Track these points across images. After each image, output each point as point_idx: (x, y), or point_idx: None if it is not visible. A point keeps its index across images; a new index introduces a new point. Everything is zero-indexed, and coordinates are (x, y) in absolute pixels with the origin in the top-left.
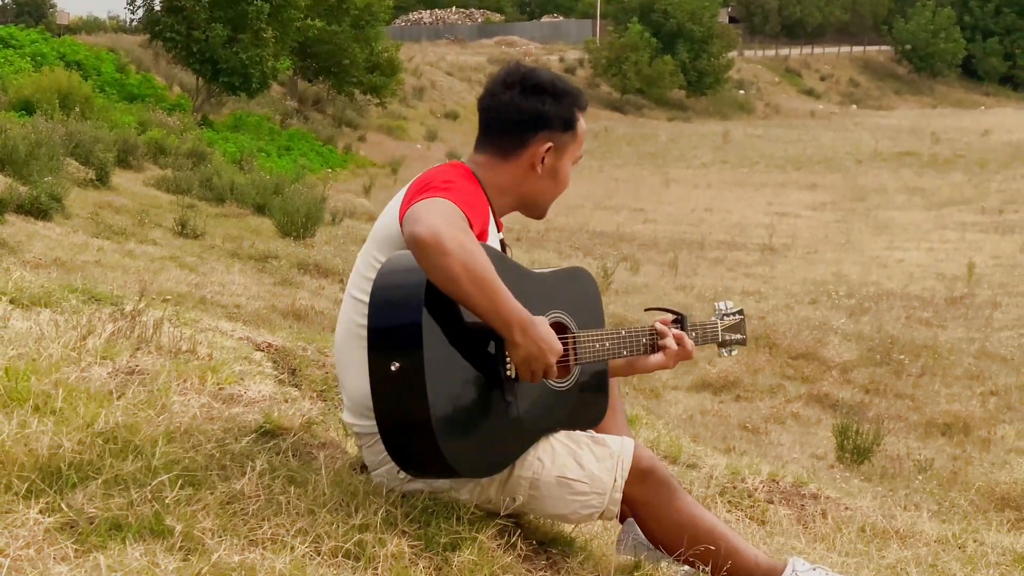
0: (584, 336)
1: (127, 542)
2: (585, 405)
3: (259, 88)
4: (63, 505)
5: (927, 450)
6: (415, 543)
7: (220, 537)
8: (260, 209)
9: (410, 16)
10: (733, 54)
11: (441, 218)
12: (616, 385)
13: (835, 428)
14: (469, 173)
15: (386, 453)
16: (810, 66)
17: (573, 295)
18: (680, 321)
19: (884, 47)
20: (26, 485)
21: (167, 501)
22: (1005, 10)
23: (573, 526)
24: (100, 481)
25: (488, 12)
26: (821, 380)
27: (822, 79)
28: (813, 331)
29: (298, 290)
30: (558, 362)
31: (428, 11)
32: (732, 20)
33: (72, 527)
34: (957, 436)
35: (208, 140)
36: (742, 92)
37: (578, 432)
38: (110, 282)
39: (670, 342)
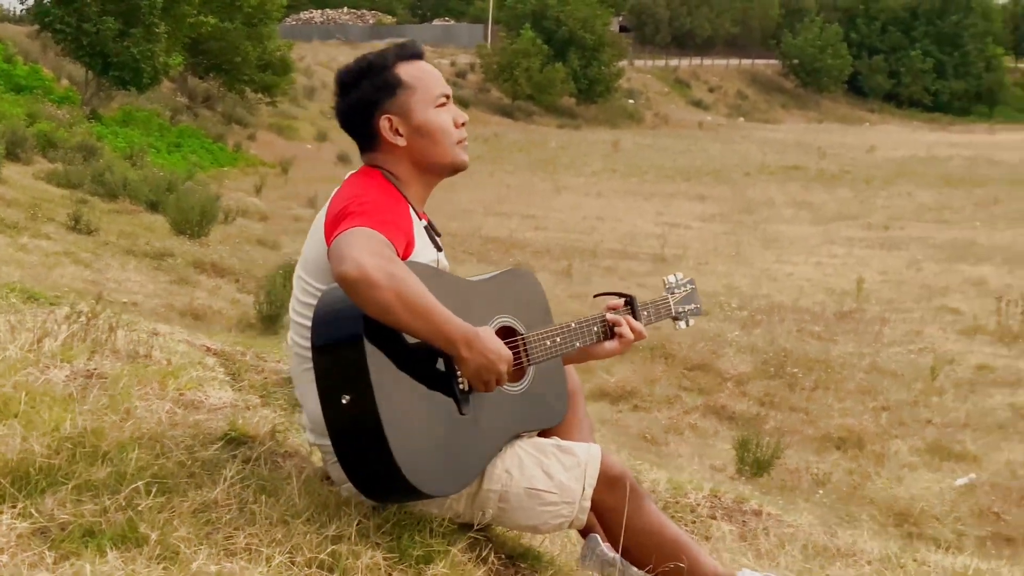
0: (534, 336)
1: (104, 549)
2: (545, 403)
3: (150, 83)
4: (33, 511)
5: (823, 464)
6: (389, 555)
7: (196, 546)
8: (153, 206)
9: (301, 15)
10: (623, 63)
11: (364, 251)
12: (581, 397)
13: (736, 441)
14: (379, 176)
15: None
16: (699, 77)
17: (516, 296)
18: (630, 303)
19: (772, 61)
20: None
21: (140, 508)
22: (891, 28)
23: (541, 539)
24: (70, 487)
25: (380, 13)
26: (717, 392)
27: (711, 91)
28: (708, 342)
29: (195, 289)
30: (513, 365)
31: (319, 11)
32: (623, 29)
33: (44, 533)
34: (851, 450)
35: (97, 134)
36: (631, 101)
37: (544, 441)
38: (3, 276)
39: (626, 330)
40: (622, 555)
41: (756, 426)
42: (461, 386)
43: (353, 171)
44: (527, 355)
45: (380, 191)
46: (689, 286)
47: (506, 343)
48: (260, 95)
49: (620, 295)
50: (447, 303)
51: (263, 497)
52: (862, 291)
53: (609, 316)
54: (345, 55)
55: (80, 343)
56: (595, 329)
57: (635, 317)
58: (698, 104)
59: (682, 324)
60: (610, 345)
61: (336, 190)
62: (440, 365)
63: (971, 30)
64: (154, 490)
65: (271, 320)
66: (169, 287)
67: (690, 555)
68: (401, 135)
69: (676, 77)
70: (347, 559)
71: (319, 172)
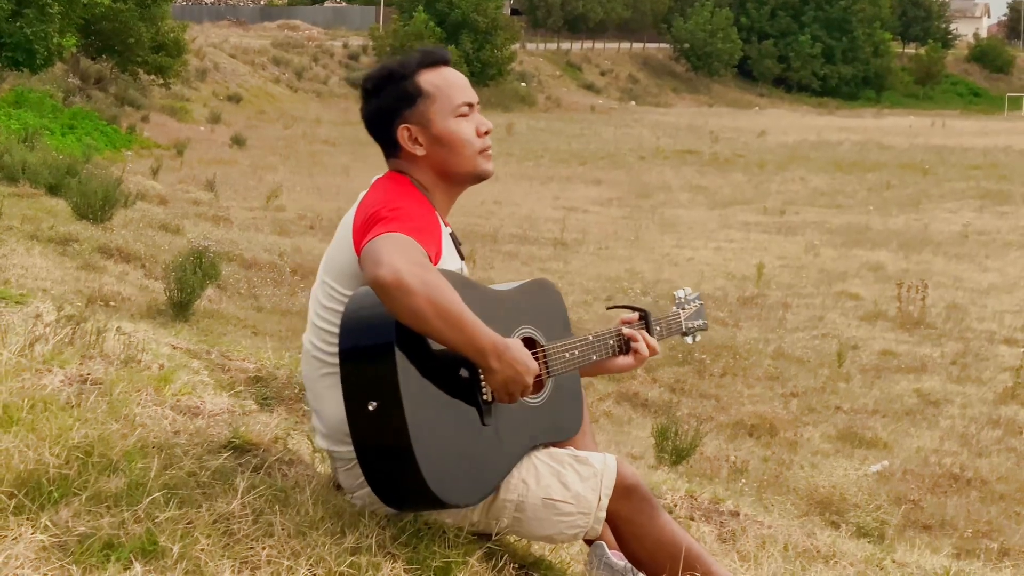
0: (554, 348)
1: (128, 563)
2: (561, 415)
3: (44, 64)
4: (49, 523)
5: (739, 451)
6: (409, 567)
7: (219, 560)
8: (53, 189)
9: None
10: (516, 46)
11: (400, 256)
12: (585, 405)
13: (655, 428)
14: (407, 182)
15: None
16: (591, 61)
17: (538, 307)
18: (645, 318)
19: (663, 45)
20: (13, 502)
21: (159, 520)
22: (780, 13)
23: (553, 548)
24: (84, 498)
25: None
26: (629, 379)
27: (602, 74)
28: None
29: (102, 275)
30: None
31: None
32: (515, 12)
33: (63, 547)
34: (764, 437)
35: None
36: (524, 85)
37: (560, 451)
38: None
39: (642, 346)
40: (635, 566)
41: (669, 413)
42: (484, 396)
43: (379, 175)
44: (547, 367)
45: (410, 197)
46: (697, 302)
47: None
48: (153, 76)
49: (635, 309)
50: (474, 312)
51: (277, 507)
52: (762, 276)
53: (625, 331)
54: (236, 36)
55: (69, 347)
56: (611, 343)
57: (649, 332)
58: (590, 87)
59: (689, 340)
60: (624, 360)
61: (363, 194)
62: (464, 374)
63: (859, 15)
64: (171, 501)
65: (182, 307)
66: (76, 273)
67: (704, 566)
68: (420, 144)
69: (568, 60)
70: (368, 571)
71: (213, 154)
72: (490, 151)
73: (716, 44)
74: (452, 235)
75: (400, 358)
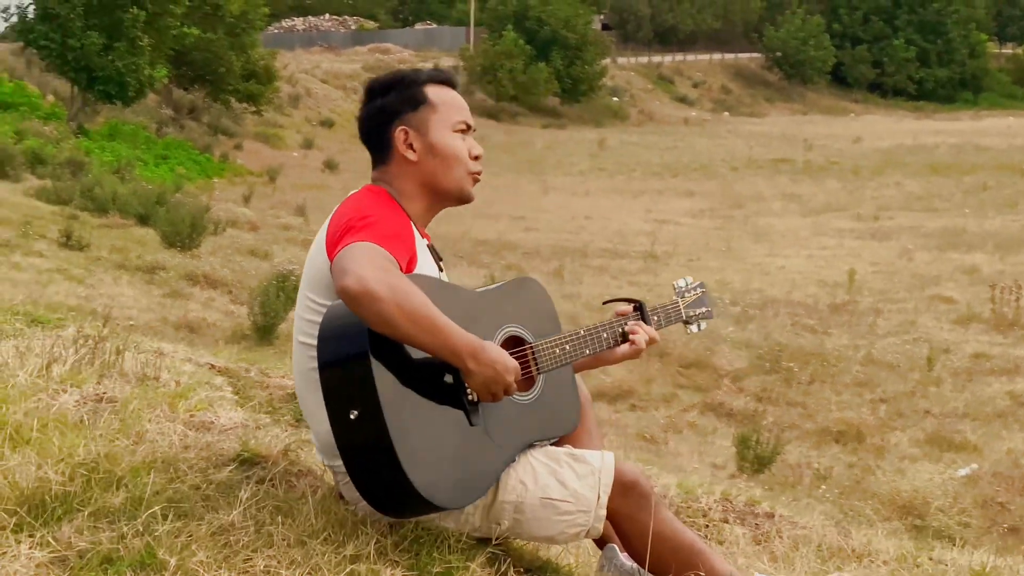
0: (543, 344)
1: None
2: (556, 412)
3: (136, 96)
4: (51, 539)
5: (824, 458)
6: (408, 573)
7: (216, 571)
8: (143, 219)
9: (283, 23)
10: (607, 61)
11: (366, 265)
12: (590, 407)
13: (736, 437)
14: (383, 193)
15: None
16: (682, 73)
17: (524, 306)
18: (640, 308)
19: (755, 54)
20: (14, 519)
21: (158, 534)
22: (873, 18)
23: (559, 551)
24: (86, 513)
25: (361, 19)
26: (714, 389)
27: (695, 86)
28: (703, 339)
29: (188, 302)
30: (521, 374)
31: (301, 18)
32: (605, 27)
33: (63, 562)
34: (851, 444)
35: (85, 149)
36: (616, 99)
37: (557, 449)
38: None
39: (640, 338)
40: (639, 563)
41: (754, 422)
42: (470, 397)
43: (355, 190)
44: (536, 364)
45: (383, 207)
46: (699, 290)
47: (514, 352)
48: (245, 104)
49: (629, 301)
50: (453, 315)
51: (279, 518)
52: (854, 282)
53: (629, 324)
54: (328, 62)
55: (88, 367)
56: (604, 335)
57: (645, 322)
58: (683, 100)
59: (693, 328)
60: (622, 350)
61: (337, 207)
62: (448, 377)
63: (954, 17)
64: (171, 515)
65: (266, 331)
66: (162, 301)
67: (705, 560)
68: (414, 150)
69: (659, 73)
70: None
71: (306, 180)
72: (479, 176)
73: (809, 51)
74: (431, 247)
75: (376, 365)
